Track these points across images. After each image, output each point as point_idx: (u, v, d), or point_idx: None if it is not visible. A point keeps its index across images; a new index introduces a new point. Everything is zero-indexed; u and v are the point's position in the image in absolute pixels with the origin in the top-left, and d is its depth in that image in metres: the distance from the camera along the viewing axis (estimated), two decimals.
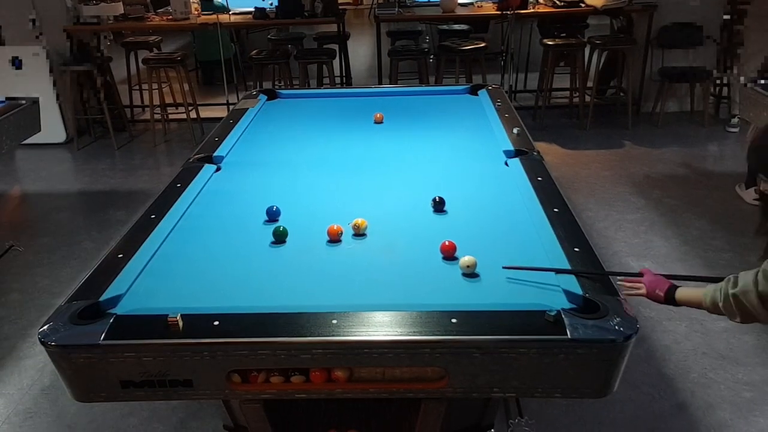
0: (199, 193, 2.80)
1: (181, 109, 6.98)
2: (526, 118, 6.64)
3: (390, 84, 6.61)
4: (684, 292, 1.95)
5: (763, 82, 4.31)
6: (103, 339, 1.75)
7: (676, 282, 2.01)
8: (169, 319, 1.77)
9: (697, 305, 1.92)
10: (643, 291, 1.95)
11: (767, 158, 1.85)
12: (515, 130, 3.31)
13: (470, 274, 2.09)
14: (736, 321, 1.82)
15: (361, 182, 2.91)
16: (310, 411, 2.39)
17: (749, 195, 4.76)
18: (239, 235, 2.44)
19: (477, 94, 4.21)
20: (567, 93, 7.20)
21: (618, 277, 2.04)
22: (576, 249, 2.17)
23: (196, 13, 6.90)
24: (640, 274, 2.08)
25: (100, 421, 2.95)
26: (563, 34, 7.36)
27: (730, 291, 1.77)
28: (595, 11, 6.63)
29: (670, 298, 1.94)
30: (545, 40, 6.72)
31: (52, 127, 6.39)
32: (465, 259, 2.10)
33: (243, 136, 3.53)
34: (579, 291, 1.92)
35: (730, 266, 3.99)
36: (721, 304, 1.81)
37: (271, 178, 2.98)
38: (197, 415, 2.95)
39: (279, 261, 2.24)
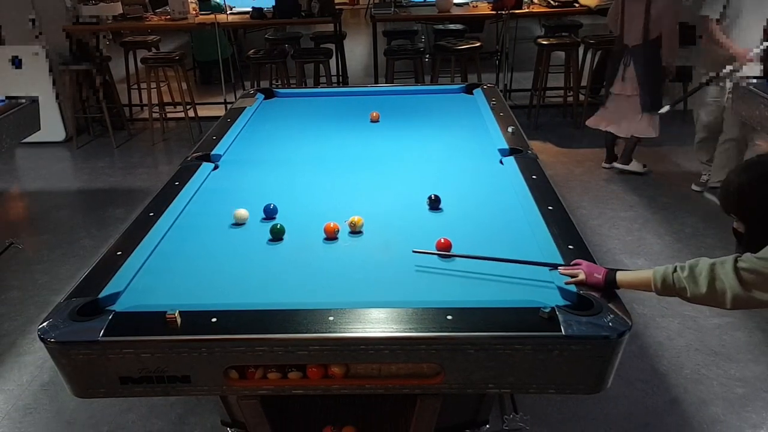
0: (197, 191, 2.82)
1: (180, 108, 6.99)
2: (521, 117, 6.68)
3: (386, 83, 6.63)
4: (626, 275, 1.98)
5: (755, 80, 4.32)
6: (102, 335, 1.77)
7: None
8: (167, 315, 1.79)
9: (643, 287, 1.96)
10: (582, 276, 1.97)
11: (741, 201, 1.93)
12: (510, 129, 3.33)
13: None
14: (685, 298, 1.88)
15: (358, 180, 2.93)
16: (306, 407, 2.41)
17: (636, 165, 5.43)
18: (237, 232, 2.46)
19: (472, 93, 4.22)
20: (561, 92, 7.23)
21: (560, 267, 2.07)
22: (570, 246, 2.19)
23: (194, 12, 6.92)
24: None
25: (99, 416, 2.97)
26: (564, 34, 7.39)
27: (704, 273, 1.83)
28: (588, 11, 6.64)
29: (610, 281, 1.96)
30: (540, 40, 6.75)
31: (51, 126, 6.39)
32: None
33: (240, 134, 3.55)
34: (573, 288, 1.95)
35: None
36: (679, 285, 1.87)
37: (268, 177, 3.00)
38: (195, 410, 2.97)
39: (276, 258, 2.26)
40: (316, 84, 7.34)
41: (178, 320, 1.79)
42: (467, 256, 2.16)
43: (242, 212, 2.53)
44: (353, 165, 3.12)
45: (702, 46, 5.02)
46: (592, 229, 4.55)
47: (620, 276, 1.96)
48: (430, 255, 2.20)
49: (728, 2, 4.66)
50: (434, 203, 2.59)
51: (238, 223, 2.52)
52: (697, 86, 4.91)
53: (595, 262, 2.06)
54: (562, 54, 7.06)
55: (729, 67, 4.61)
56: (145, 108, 7.43)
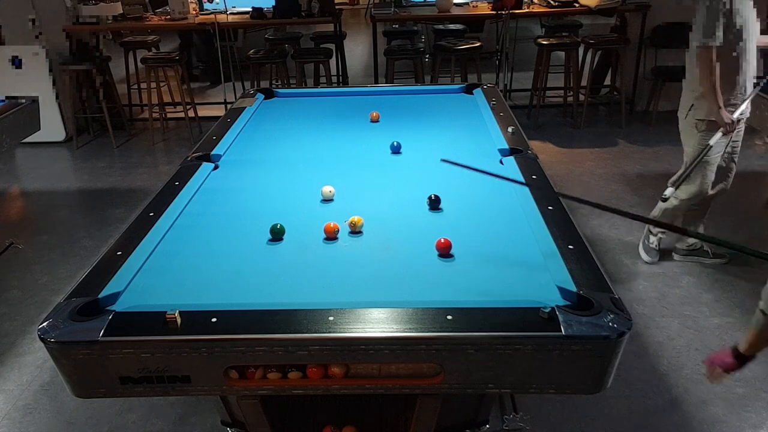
0: (197, 191, 2.82)
1: (179, 107, 7.00)
2: (521, 117, 6.69)
3: (386, 83, 6.63)
4: (743, 342, 2.07)
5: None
6: (102, 335, 1.76)
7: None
8: (167, 315, 1.79)
9: (761, 340, 2.03)
10: (719, 370, 2.12)
11: None
12: (510, 129, 3.33)
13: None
14: None
15: (358, 180, 2.93)
16: (306, 407, 2.42)
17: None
18: (237, 232, 2.46)
19: (472, 93, 4.22)
20: (561, 92, 7.24)
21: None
22: (570, 246, 2.19)
23: (194, 13, 6.92)
24: None
25: (99, 416, 2.97)
26: (564, 34, 7.41)
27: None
28: (588, 11, 6.65)
29: (739, 356, 2.07)
30: (540, 40, 6.76)
31: (51, 126, 6.41)
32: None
33: (240, 134, 3.55)
34: (573, 288, 1.94)
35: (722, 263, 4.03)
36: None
37: (268, 177, 3.00)
38: (196, 410, 2.97)
39: (276, 258, 2.26)
40: (316, 84, 7.35)
41: (178, 320, 1.79)
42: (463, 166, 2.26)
43: (328, 189, 2.69)
44: (353, 165, 3.12)
45: (700, 81, 3.62)
46: (592, 229, 4.55)
47: (742, 347, 2.06)
48: (428, 255, 2.20)
49: (730, 17, 3.44)
50: (434, 203, 2.59)
51: (327, 199, 2.67)
52: (701, 152, 3.70)
53: (595, 262, 2.07)
54: (562, 54, 7.07)
55: (716, 137, 3.65)
56: (145, 108, 7.44)
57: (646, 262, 4.12)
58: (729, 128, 3.62)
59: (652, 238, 4.15)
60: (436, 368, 1.81)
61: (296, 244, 2.34)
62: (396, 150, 3.25)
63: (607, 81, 7.37)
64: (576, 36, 7.31)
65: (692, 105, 3.74)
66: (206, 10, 7.12)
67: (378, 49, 7.12)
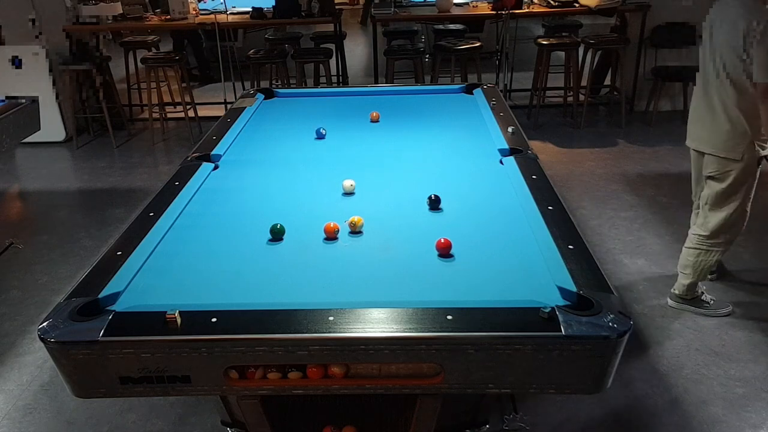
0: (197, 191, 2.82)
1: (179, 107, 7.00)
2: (521, 117, 6.69)
3: (386, 83, 6.63)
4: None
5: None
6: (102, 335, 1.76)
7: None
8: (167, 315, 1.78)
9: None
10: None
11: None
12: (510, 129, 3.33)
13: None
14: None
15: (358, 180, 2.92)
16: (306, 407, 2.42)
17: None
18: (237, 232, 2.46)
19: (472, 93, 4.23)
20: (561, 92, 7.24)
21: None
22: (570, 246, 2.19)
23: (194, 12, 6.92)
24: None
25: (99, 416, 2.97)
26: (564, 34, 7.41)
27: None
28: (588, 11, 6.65)
29: None
30: (540, 40, 6.76)
31: (51, 126, 6.42)
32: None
33: (240, 134, 3.55)
34: (573, 288, 1.94)
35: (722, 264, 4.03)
36: None
37: (268, 177, 3.00)
38: (196, 410, 2.97)
39: (276, 258, 2.26)
40: (316, 84, 7.35)
41: (178, 320, 1.79)
42: None
43: (348, 183, 2.76)
44: (353, 165, 3.11)
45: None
46: (592, 229, 4.55)
47: None
48: (428, 255, 2.20)
49: None
50: (434, 203, 2.59)
51: (348, 193, 2.75)
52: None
53: (595, 262, 2.06)
54: (562, 54, 7.06)
55: None
56: (145, 108, 7.44)
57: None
58: None
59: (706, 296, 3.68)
60: (436, 368, 1.81)
61: (296, 244, 2.34)
62: (320, 136, 3.45)
63: (607, 81, 7.38)
64: (576, 36, 7.31)
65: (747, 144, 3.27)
66: (205, 9, 7.13)
67: (378, 49, 7.12)
